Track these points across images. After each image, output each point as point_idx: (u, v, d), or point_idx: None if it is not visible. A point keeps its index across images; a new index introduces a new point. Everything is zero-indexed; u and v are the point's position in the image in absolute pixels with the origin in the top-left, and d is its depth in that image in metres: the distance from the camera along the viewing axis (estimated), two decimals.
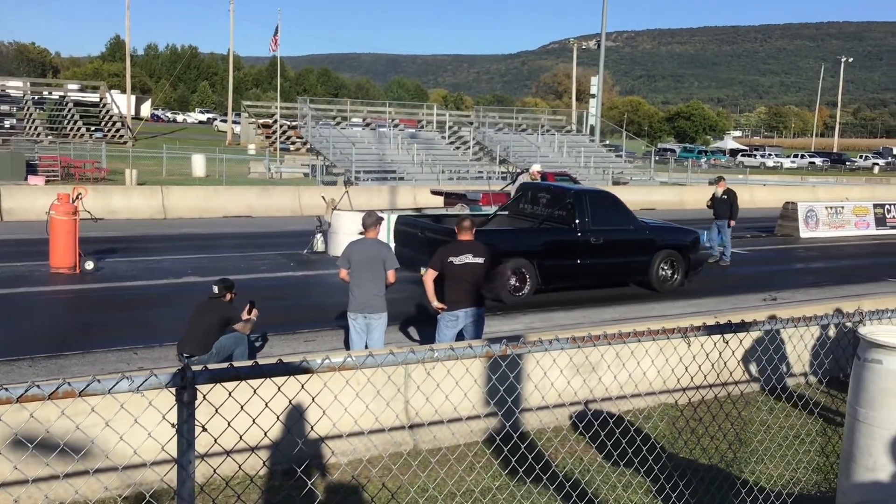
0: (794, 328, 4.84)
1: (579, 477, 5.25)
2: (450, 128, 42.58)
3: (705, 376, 5.56)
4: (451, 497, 4.92)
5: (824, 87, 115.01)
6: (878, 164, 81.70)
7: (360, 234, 8.29)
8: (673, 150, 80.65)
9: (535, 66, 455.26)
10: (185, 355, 7.61)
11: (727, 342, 5.57)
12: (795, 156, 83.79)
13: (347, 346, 8.52)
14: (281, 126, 45.71)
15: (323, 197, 17.12)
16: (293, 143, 46.86)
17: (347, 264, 7.70)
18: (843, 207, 23.14)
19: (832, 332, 7.91)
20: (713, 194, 17.03)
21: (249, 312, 8.02)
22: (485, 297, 7.78)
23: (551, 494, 4.90)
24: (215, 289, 7.93)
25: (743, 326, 3.78)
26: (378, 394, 5.13)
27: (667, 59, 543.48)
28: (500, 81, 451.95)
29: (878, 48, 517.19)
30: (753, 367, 7.47)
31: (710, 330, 3.72)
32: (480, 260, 7.63)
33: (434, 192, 21.68)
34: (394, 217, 16.12)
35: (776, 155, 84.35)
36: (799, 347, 7.61)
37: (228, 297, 7.98)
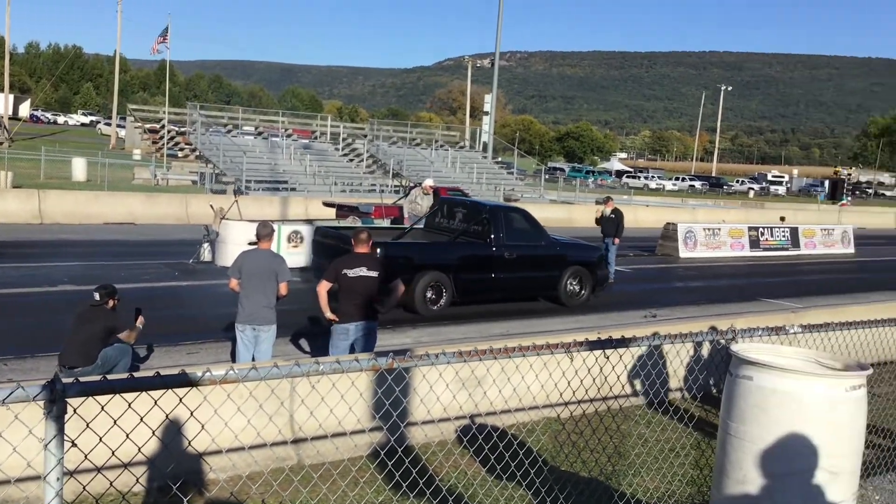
0: (671, 344, 5.02)
1: (462, 491, 5.27)
2: (344, 140, 42.33)
3: (587, 391, 5.70)
4: None
5: (705, 113, 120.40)
6: (753, 188, 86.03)
7: (252, 244, 8.13)
8: (562, 170, 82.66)
9: (430, 81, 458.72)
10: (67, 367, 7.20)
11: (608, 357, 5.73)
12: (677, 179, 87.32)
13: (234, 359, 8.33)
14: (169, 132, 44.34)
15: (211, 205, 16.70)
16: (181, 149, 45.50)
17: (238, 275, 7.56)
18: (719, 229, 24.21)
19: (707, 349, 8.25)
20: (601, 212, 17.59)
21: (135, 320, 7.69)
22: (378, 311, 7.73)
23: None
24: (96, 296, 7.55)
25: (623, 342, 3.89)
26: (261, 408, 5.01)
27: (558, 80, 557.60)
28: (395, 95, 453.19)
29: (756, 78, 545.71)
30: (633, 382, 7.70)
31: (592, 345, 3.81)
32: (374, 273, 7.58)
33: (326, 204, 21.47)
34: (286, 228, 15.94)
35: (659, 177, 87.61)
36: (676, 363, 7.89)
37: (111, 303, 7.63)
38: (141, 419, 2.99)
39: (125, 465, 3.97)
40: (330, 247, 12.73)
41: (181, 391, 2.84)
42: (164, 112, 45.11)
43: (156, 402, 2.99)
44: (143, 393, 2.65)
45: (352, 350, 7.56)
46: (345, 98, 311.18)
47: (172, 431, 4.80)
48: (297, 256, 15.42)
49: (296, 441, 5.93)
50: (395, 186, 35.70)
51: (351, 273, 7.52)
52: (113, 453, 3.13)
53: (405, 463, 4.54)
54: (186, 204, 23.62)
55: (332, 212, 20.35)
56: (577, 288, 14.02)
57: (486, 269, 12.95)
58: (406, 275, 11.80)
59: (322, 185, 33.68)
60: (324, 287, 7.64)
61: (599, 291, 14.47)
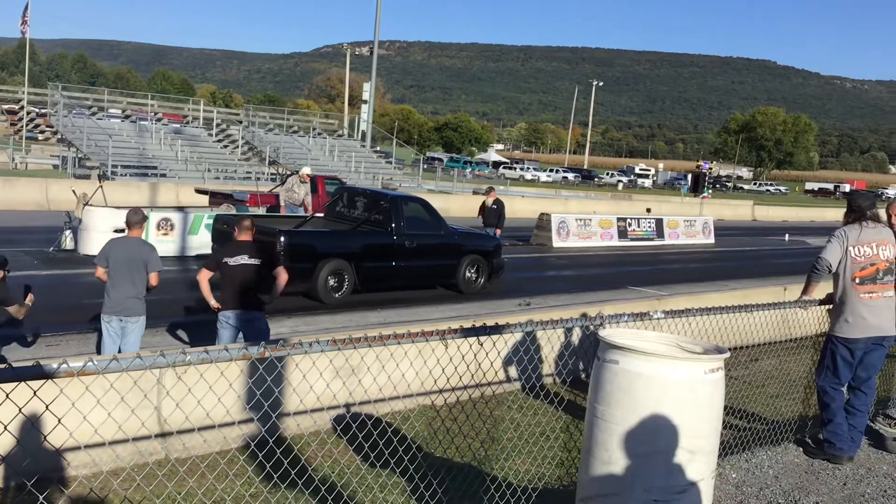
0: (543, 330, 5.14)
1: (336, 480, 5.23)
2: (218, 125, 41.20)
3: (461, 378, 5.77)
4: None
5: (577, 107, 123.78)
6: (622, 181, 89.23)
7: (119, 231, 7.73)
8: (440, 160, 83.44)
9: (308, 68, 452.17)
10: None
11: (482, 344, 5.80)
12: (551, 170, 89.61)
13: (99, 351, 7.97)
14: (28, 113, 41.99)
15: (73, 191, 15.91)
16: (42, 132, 43.18)
17: (105, 263, 7.30)
18: (590, 220, 24.97)
19: (577, 335, 8.49)
20: (483, 203, 17.89)
21: (25, 297, 7.21)
22: (263, 300, 7.55)
23: (306, 499, 4.85)
24: None
25: (497, 329, 3.95)
26: (122, 400, 4.81)
27: (437, 70, 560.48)
28: (272, 81, 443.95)
29: (625, 74, 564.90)
30: (507, 368, 7.84)
31: (467, 332, 3.85)
32: (256, 261, 7.43)
33: (198, 191, 20.84)
34: (156, 215, 15.35)
35: (534, 169, 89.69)
36: (548, 349, 8.08)
37: (1, 275, 7.11)
38: None
39: None
40: (227, 234, 12.38)
41: (36, 383, 2.69)
42: (24, 92, 42.63)
43: (7, 396, 2.81)
44: None
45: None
46: (219, 82, 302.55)
47: (28, 427, 4.54)
48: (167, 244, 14.93)
49: (161, 435, 5.73)
50: (272, 174, 35.05)
51: (231, 261, 7.39)
52: None
53: (276, 454, 4.46)
54: (47, 189, 22.44)
55: (204, 199, 19.77)
56: (474, 276, 14.41)
57: (387, 258, 13.16)
58: (309, 263, 12.08)
59: (195, 171, 32.69)
60: (204, 275, 7.54)
61: (496, 279, 14.89)
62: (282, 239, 11.72)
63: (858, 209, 6.06)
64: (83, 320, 9.94)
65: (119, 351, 7.24)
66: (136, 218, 7.43)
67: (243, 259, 7.39)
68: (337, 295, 12.44)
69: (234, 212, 17.03)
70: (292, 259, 11.38)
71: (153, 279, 7.34)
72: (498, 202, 17.97)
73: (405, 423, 6.49)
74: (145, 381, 5.52)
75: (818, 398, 6.19)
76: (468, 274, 14.32)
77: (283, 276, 7.60)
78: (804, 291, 6.30)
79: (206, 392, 4.88)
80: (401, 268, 13.34)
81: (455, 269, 14.13)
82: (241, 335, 7.46)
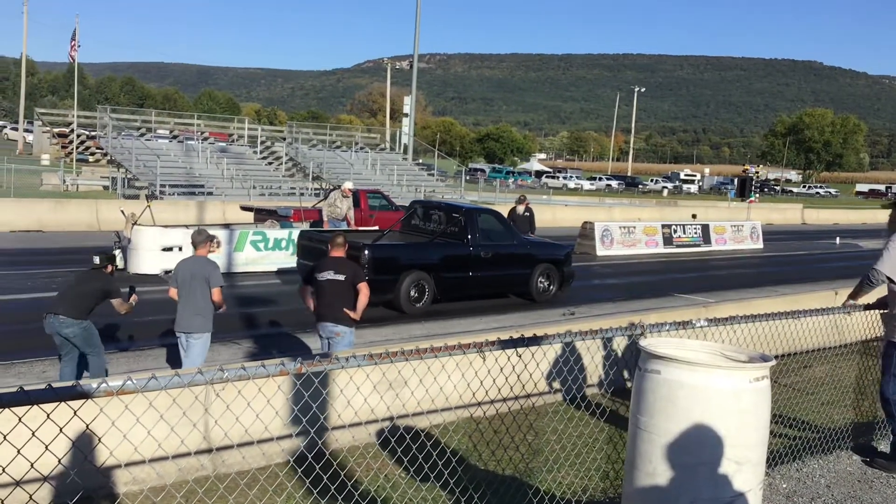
0: (583, 341, 5.08)
1: (377, 495, 5.23)
2: (262, 143, 41.72)
3: (499, 389, 5.73)
4: None
5: (620, 114, 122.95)
6: (666, 187, 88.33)
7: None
8: (483, 170, 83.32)
9: (350, 83, 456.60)
10: (54, 313, 7.37)
11: (520, 356, 5.75)
12: (594, 178, 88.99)
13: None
14: (79, 136, 42.96)
15: (122, 211, 16.20)
16: (92, 154, 44.13)
17: (175, 283, 7.74)
18: (634, 227, 24.72)
19: (621, 344, 8.39)
20: (514, 210, 18.08)
21: (129, 297, 7.85)
22: (348, 314, 7.84)
23: None
24: (97, 259, 7.82)
25: (534, 340, 3.91)
26: (161, 418, 4.87)
27: (477, 82, 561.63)
28: (315, 98, 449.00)
29: (668, 80, 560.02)
30: (550, 379, 7.77)
31: (504, 344, 3.82)
32: (341, 277, 7.80)
33: (244, 208, 21.10)
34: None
35: (577, 177, 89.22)
36: (590, 359, 8.00)
37: (110, 269, 7.88)
38: (33, 433, 2.87)
39: (45, 479, 3.80)
40: (311, 249, 13.37)
41: (76, 403, 2.73)
42: (74, 115, 43.68)
43: (48, 416, 2.86)
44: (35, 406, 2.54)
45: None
46: (263, 101, 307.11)
47: (72, 445, 4.62)
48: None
49: (200, 452, 5.78)
50: (316, 189, 35.36)
51: (320, 276, 7.85)
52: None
53: (315, 469, 4.46)
54: (97, 210, 22.90)
55: (250, 216, 20.01)
56: (546, 284, 14.75)
57: (464, 268, 13.59)
58: (392, 275, 12.57)
59: (240, 188, 33.12)
60: (304, 290, 8.13)
61: (567, 287, 15.17)
62: (366, 252, 12.18)
63: None
64: (134, 339, 10.11)
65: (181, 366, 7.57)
66: (200, 238, 7.81)
67: (329, 275, 7.80)
68: (418, 305, 12.88)
69: (278, 227, 17.22)
70: (376, 271, 12.09)
71: (215, 294, 7.62)
72: (529, 210, 18.28)
73: (448, 437, 6.46)
74: (184, 398, 5.59)
75: (884, 409, 5.97)
76: (541, 282, 14.67)
77: (364, 291, 7.88)
78: (852, 296, 6.12)
79: (244, 408, 4.92)
80: (477, 278, 13.76)
81: (528, 277, 14.48)
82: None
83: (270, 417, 5.40)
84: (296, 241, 14.20)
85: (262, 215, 18.99)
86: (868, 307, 6.30)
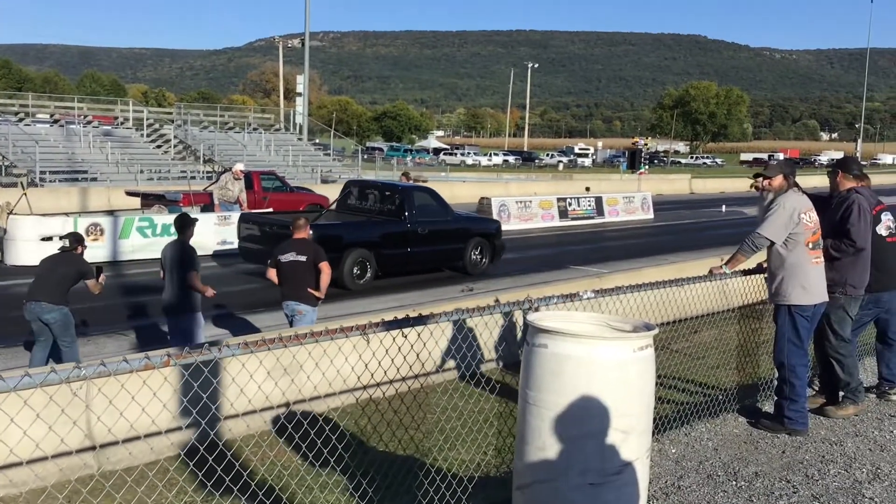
0: (480, 317, 5.05)
1: (274, 483, 5.11)
2: (150, 125, 40.26)
3: (398, 369, 5.67)
4: None
5: (515, 90, 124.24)
6: (562, 161, 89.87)
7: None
8: (381, 149, 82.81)
9: (242, 63, 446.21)
10: (35, 300, 7.51)
11: (406, 336, 5.69)
12: (492, 154, 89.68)
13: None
14: None
15: None
16: None
17: (161, 266, 8.24)
18: (531, 202, 25.05)
19: (518, 318, 8.44)
20: None
21: (97, 277, 7.95)
22: (312, 293, 8.20)
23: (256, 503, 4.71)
24: (66, 242, 7.92)
25: (420, 320, 3.85)
26: (39, 417, 4.60)
27: (372, 60, 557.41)
28: (205, 78, 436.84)
29: (560, 56, 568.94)
30: (448, 356, 7.76)
31: (388, 326, 3.75)
32: (303, 258, 8.14)
33: (129, 193, 20.31)
34: (84, 220, 14.92)
35: (474, 154, 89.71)
36: (486, 335, 8.02)
37: (80, 250, 7.97)
38: None
39: None
40: (255, 233, 13.88)
41: None
42: None
43: None
44: None
45: None
46: (150, 82, 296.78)
47: None
48: (97, 250, 14.50)
49: (83, 450, 5.52)
50: (208, 172, 34.40)
51: (283, 258, 8.18)
52: None
53: (208, 461, 4.30)
54: None
55: (136, 201, 19.29)
56: (479, 257, 15.42)
57: (403, 245, 14.12)
58: (336, 253, 12.56)
59: (127, 173, 31.91)
60: (270, 273, 8.42)
61: (498, 260, 15.85)
62: (310, 231, 11.96)
63: (792, 175, 6.07)
64: (12, 334, 9.60)
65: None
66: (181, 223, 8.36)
67: (291, 256, 8.15)
68: (360, 282, 13.32)
69: (166, 213, 16.64)
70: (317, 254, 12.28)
71: (189, 279, 7.97)
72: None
73: (346, 421, 6.37)
74: (62, 395, 5.32)
75: (784, 377, 6.02)
76: (474, 256, 15.29)
77: (326, 270, 8.24)
78: (729, 263, 6.23)
79: (129, 402, 4.68)
80: (415, 253, 14.29)
81: (462, 251, 15.07)
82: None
83: (158, 410, 5.20)
84: (236, 225, 14.60)
85: (150, 200, 18.34)
86: (746, 272, 6.50)
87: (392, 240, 13.97)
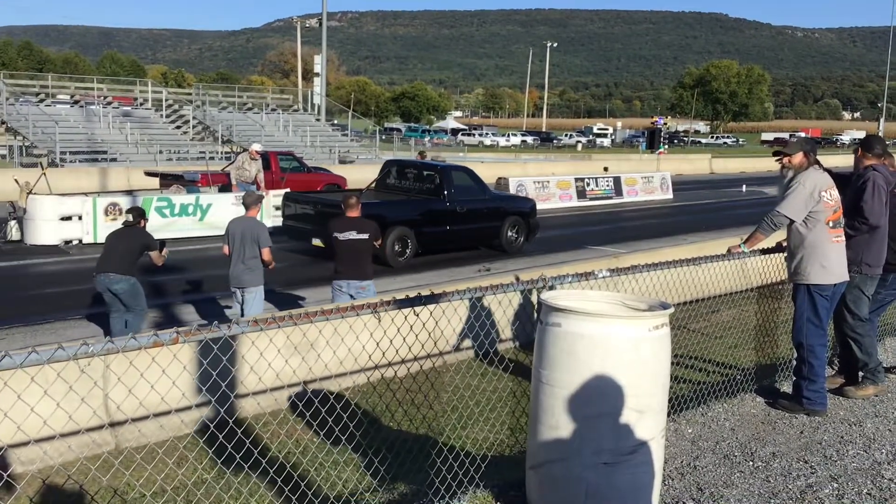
0: (493, 295, 5.02)
1: (289, 459, 5.12)
2: (169, 106, 40.32)
3: (410, 348, 5.65)
4: (161, 493, 4.58)
5: (533, 70, 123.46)
6: (581, 141, 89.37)
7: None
8: (399, 130, 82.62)
9: (260, 43, 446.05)
10: (105, 272, 7.89)
11: (431, 313, 5.67)
12: (510, 135, 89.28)
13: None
14: None
15: (16, 180, 15.43)
16: None
17: (227, 241, 8.41)
18: (548, 182, 24.91)
19: (534, 297, 8.40)
20: None
21: (161, 250, 8.36)
22: (370, 269, 8.52)
23: (265, 480, 4.72)
24: (130, 216, 8.27)
25: (432, 298, 3.82)
26: (72, 389, 4.63)
27: (391, 40, 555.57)
28: (224, 59, 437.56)
29: (580, 35, 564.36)
30: (463, 336, 7.75)
31: (400, 304, 3.72)
32: (365, 236, 8.36)
33: (148, 174, 20.38)
34: (103, 200, 15.01)
35: (493, 134, 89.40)
36: (505, 314, 7.99)
37: (142, 223, 8.34)
38: None
39: None
40: (303, 212, 14.21)
41: None
42: None
43: None
44: None
45: None
46: (170, 62, 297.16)
47: None
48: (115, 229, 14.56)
49: (112, 424, 5.57)
50: (226, 153, 34.47)
51: (342, 236, 8.31)
52: None
53: (237, 435, 4.30)
54: None
55: (155, 182, 19.35)
56: (515, 235, 15.65)
57: (442, 223, 14.43)
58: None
59: (146, 154, 32.05)
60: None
61: (532, 238, 16.07)
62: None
63: (813, 152, 5.97)
64: (33, 313, 9.69)
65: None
66: (251, 199, 8.53)
67: (352, 234, 8.33)
68: (401, 259, 13.66)
69: (185, 193, 16.69)
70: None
71: (265, 254, 8.28)
72: None
73: (364, 398, 6.37)
74: (93, 369, 5.36)
75: (802, 357, 5.95)
76: (510, 234, 15.55)
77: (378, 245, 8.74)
78: (748, 242, 6.16)
79: (160, 375, 4.70)
80: (454, 231, 14.63)
81: (499, 230, 15.35)
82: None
83: (171, 388, 5.22)
84: (283, 203, 14.89)
85: (168, 181, 18.38)
86: (766, 251, 6.41)
87: (432, 218, 14.29)
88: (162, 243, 8.42)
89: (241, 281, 8.33)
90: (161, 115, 38.54)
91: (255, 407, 6.01)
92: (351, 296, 8.33)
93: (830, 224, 5.78)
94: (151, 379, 4.69)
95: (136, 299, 8.11)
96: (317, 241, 13.03)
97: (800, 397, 6.04)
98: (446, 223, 14.48)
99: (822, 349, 5.97)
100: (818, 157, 6.00)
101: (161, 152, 32.56)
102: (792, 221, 5.80)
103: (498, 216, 15.39)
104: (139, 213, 8.37)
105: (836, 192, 5.86)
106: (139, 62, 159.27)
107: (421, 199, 14.56)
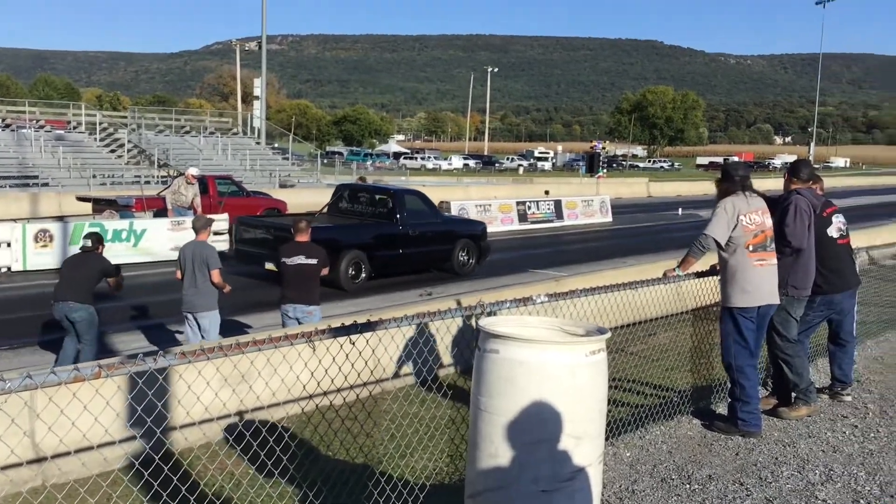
0: (438, 321, 4.98)
1: (223, 493, 4.97)
2: (103, 129, 39.54)
3: (346, 376, 5.56)
4: None
5: (475, 94, 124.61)
6: (522, 165, 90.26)
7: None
8: (341, 154, 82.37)
9: (198, 66, 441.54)
10: (62, 301, 7.87)
11: (367, 341, 5.59)
12: (454, 158, 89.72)
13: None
14: None
15: None
16: None
17: (179, 266, 8.39)
18: (490, 205, 25.04)
19: (473, 323, 8.37)
20: None
21: (117, 274, 8.38)
22: (317, 294, 8.56)
23: None
24: (88, 242, 8.21)
25: (368, 326, 3.76)
26: None
27: (332, 64, 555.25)
28: (161, 81, 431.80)
29: (520, 60, 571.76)
30: (403, 362, 7.67)
31: (335, 332, 3.65)
32: (313, 261, 8.38)
33: (80, 199, 19.89)
34: (32, 227, 14.59)
35: (435, 157, 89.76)
36: (444, 339, 7.95)
37: (100, 249, 8.30)
38: None
39: None
40: (256, 237, 14.23)
41: None
42: None
43: None
44: None
45: None
46: (105, 85, 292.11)
47: None
48: (45, 257, 14.20)
49: (33, 462, 5.35)
50: (163, 177, 33.88)
51: (290, 261, 8.35)
52: None
53: (164, 472, 4.16)
54: None
55: (88, 207, 18.89)
56: (466, 258, 15.80)
57: (395, 246, 14.55)
58: (332, 254, 12.80)
59: (79, 178, 31.31)
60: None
61: (484, 261, 16.27)
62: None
63: (741, 178, 6.07)
64: None
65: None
66: (200, 223, 8.51)
67: (300, 259, 8.35)
68: (356, 282, 13.73)
69: (117, 218, 16.32)
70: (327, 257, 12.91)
71: (214, 276, 8.19)
72: None
73: (294, 428, 6.23)
74: (12, 405, 5.14)
75: (733, 377, 6.05)
76: (461, 257, 15.71)
77: (325, 273, 8.76)
78: (681, 266, 6.25)
79: (81, 412, 4.52)
80: (407, 254, 14.74)
81: (451, 252, 15.46)
82: None
83: (111, 419, 5.06)
84: (235, 227, 14.86)
85: (101, 206, 17.96)
86: (700, 274, 6.51)
87: (385, 241, 14.40)
88: (117, 268, 8.43)
89: (192, 305, 8.25)
90: (95, 139, 37.78)
91: (184, 442, 5.84)
92: (298, 320, 8.32)
93: (751, 248, 5.87)
94: (73, 415, 4.53)
95: (91, 330, 8.07)
96: (270, 266, 12.88)
97: (735, 419, 6.11)
98: (399, 246, 14.58)
99: (752, 369, 6.06)
100: (750, 181, 6.12)
101: (95, 177, 31.88)
102: (718, 245, 5.90)
103: (450, 239, 15.55)
104: (97, 239, 8.31)
105: (758, 216, 5.95)
106: (73, 85, 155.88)
107: (374, 223, 14.68)
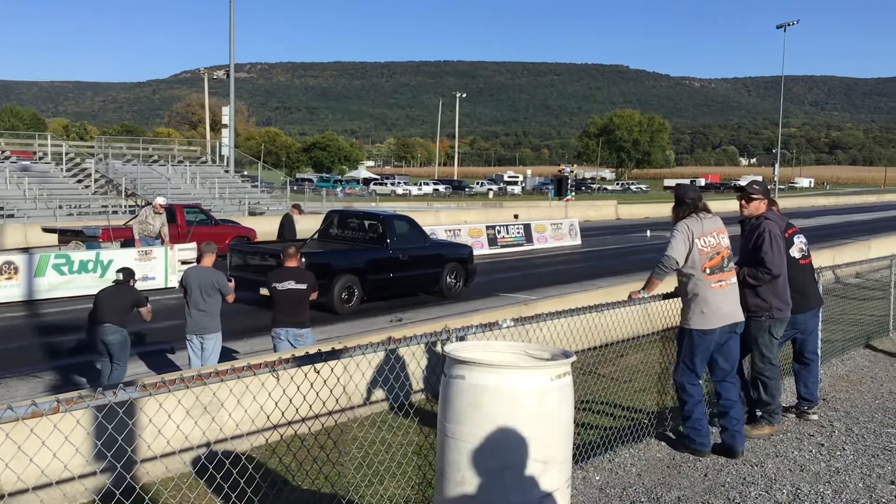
0: (406, 347, 4.96)
1: None
2: (70, 159, 39.14)
3: (324, 403, 5.52)
4: None
5: (444, 120, 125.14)
6: (492, 189, 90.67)
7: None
8: (311, 180, 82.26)
9: (167, 95, 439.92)
10: (101, 323, 8.30)
11: (332, 369, 5.57)
12: (422, 184, 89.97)
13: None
14: None
15: None
16: None
17: (183, 290, 8.72)
18: (460, 230, 25.10)
19: (440, 348, 8.36)
20: (288, 215, 18.88)
21: (146, 304, 8.75)
22: (307, 317, 8.75)
23: None
24: (120, 275, 8.70)
25: (332, 355, 3.75)
26: None
27: (301, 91, 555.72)
28: (129, 111, 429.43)
29: (488, 85, 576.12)
30: (376, 388, 7.64)
31: (299, 361, 3.64)
32: (303, 286, 8.59)
33: (46, 230, 19.66)
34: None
35: (405, 183, 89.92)
36: (419, 364, 7.92)
37: (132, 282, 8.78)
38: None
39: None
40: (248, 262, 14.61)
41: None
42: None
43: None
44: None
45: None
46: (72, 115, 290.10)
47: None
48: (11, 289, 13.98)
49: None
50: (130, 206, 33.60)
51: (280, 286, 8.57)
52: None
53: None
54: None
55: (54, 238, 18.67)
56: (454, 281, 16.16)
57: (386, 270, 14.89)
58: (326, 279, 13.16)
59: (45, 209, 30.94)
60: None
61: (470, 283, 16.71)
62: (303, 259, 12.49)
63: (692, 201, 6.11)
64: None
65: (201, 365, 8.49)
66: (207, 249, 8.94)
67: (290, 284, 8.56)
68: (348, 306, 14.07)
69: (83, 249, 16.14)
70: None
71: (230, 299, 8.86)
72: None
73: (271, 458, 6.17)
74: None
75: (677, 395, 6.17)
76: (449, 280, 16.06)
77: (314, 298, 8.95)
78: (646, 288, 6.29)
79: (39, 447, 4.44)
80: (397, 278, 15.10)
81: (439, 276, 15.84)
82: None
83: (70, 455, 4.96)
84: (229, 254, 15.08)
85: (67, 237, 17.76)
86: (667, 296, 6.56)
87: (376, 266, 14.74)
88: (146, 298, 8.82)
89: (202, 328, 8.56)
90: (62, 169, 37.38)
91: (146, 476, 5.75)
92: (290, 343, 8.53)
93: (708, 271, 5.90)
94: (31, 450, 4.44)
95: (124, 352, 8.51)
96: (264, 291, 12.85)
97: (684, 436, 6.20)
98: (390, 270, 14.91)
99: (695, 388, 6.08)
100: (703, 202, 6.15)
101: (61, 207, 31.51)
102: (678, 266, 5.94)
103: (438, 263, 15.89)
104: (129, 274, 8.79)
105: (713, 238, 5.98)
106: (40, 115, 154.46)
107: (365, 248, 15.04)
